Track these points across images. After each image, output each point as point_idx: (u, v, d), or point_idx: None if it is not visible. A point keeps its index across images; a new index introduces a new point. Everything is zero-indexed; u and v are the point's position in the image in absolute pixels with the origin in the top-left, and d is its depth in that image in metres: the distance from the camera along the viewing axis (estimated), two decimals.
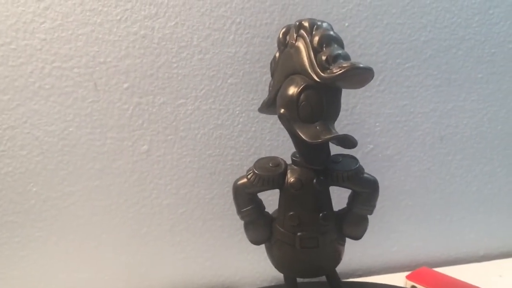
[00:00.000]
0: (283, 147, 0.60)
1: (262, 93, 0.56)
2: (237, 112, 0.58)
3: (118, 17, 0.53)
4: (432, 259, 0.69)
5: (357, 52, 0.59)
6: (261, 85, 0.58)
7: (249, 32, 0.56)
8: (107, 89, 0.54)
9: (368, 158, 0.63)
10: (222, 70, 0.57)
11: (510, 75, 0.65)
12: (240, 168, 0.59)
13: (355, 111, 0.61)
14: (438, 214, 0.67)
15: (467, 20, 0.62)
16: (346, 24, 0.58)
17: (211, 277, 0.63)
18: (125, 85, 0.55)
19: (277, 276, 0.47)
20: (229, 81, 0.57)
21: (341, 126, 0.60)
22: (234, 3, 0.55)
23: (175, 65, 0.55)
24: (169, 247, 0.60)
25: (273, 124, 0.59)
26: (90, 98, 0.54)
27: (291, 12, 0.56)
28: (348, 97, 0.60)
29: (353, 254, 0.65)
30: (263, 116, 0.57)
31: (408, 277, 0.58)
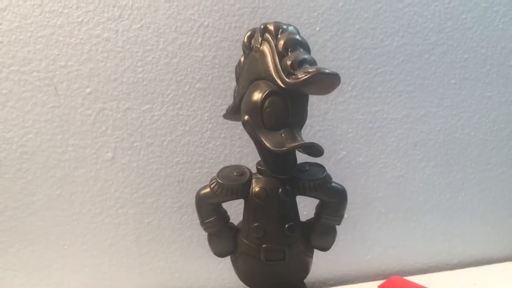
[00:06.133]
0: (253, 155, 0.58)
1: (232, 99, 0.55)
2: (206, 118, 0.57)
3: (80, 19, 0.51)
4: (406, 267, 0.68)
5: (329, 57, 0.58)
6: (230, 91, 0.56)
7: (217, 35, 0.55)
8: (69, 94, 0.52)
9: (341, 165, 0.61)
10: (190, 74, 0.55)
11: (483, 81, 0.65)
12: (208, 176, 0.56)
13: (327, 117, 0.60)
14: (411, 221, 0.67)
15: (440, 25, 0.61)
16: (317, 29, 0.57)
17: None
18: (88, 90, 0.53)
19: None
20: (197, 86, 0.56)
21: (313, 132, 0.59)
22: (202, 6, 0.54)
23: (140, 69, 0.54)
24: (136, 259, 0.59)
25: (242, 131, 0.56)
26: (50, 103, 0.52)
27: (260, 16, 0.55)
28: (320, 103, 0.59)
29: (326, 263, 0.64)
30: (232, 122, 0.56)
31: (380, 287, 0.57)
